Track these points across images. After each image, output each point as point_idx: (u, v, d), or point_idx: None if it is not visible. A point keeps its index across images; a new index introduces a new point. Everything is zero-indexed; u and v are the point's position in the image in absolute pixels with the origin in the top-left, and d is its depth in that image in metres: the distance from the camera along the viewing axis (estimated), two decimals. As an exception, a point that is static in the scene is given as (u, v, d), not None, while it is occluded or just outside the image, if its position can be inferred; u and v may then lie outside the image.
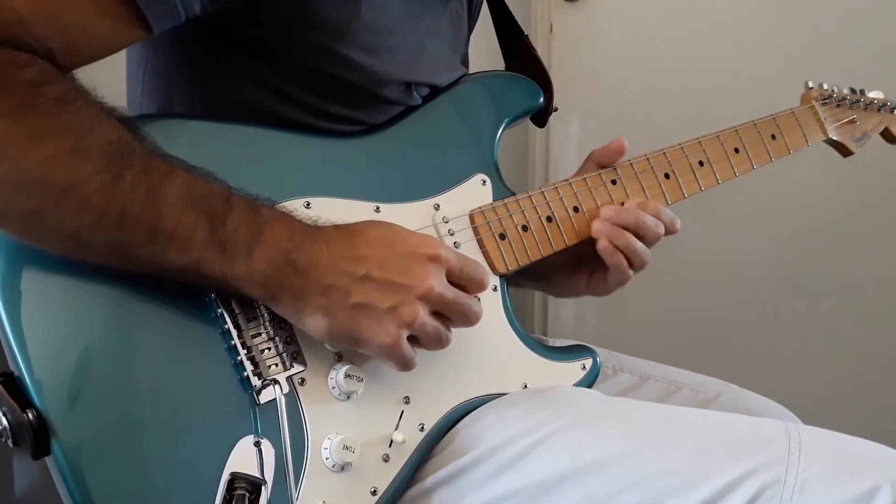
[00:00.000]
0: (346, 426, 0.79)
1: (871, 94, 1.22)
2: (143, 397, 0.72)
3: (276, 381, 0.76)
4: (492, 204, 0.93)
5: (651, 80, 1.97)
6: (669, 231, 0.97)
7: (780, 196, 1.89)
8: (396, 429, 0.82)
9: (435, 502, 0.83)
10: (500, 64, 1.06)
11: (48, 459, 0.70)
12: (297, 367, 0.78)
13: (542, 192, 0.95)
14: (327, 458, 0.78)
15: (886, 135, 1.24)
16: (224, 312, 0.76)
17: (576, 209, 0.96)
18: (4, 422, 0.71)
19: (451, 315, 0.79)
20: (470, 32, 1.07)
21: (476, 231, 0.91)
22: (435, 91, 0.95)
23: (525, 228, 0.94)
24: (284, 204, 0.79)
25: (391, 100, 0.91)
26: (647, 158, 1.01)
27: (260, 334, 0.77)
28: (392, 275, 0.75)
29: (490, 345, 0.89)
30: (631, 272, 0.95)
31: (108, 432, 0.71)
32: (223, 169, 0.75)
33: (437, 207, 0.90)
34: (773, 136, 1.09)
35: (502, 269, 0.92)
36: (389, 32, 0.88)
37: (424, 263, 0.77)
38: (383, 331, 0.75)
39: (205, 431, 0.74)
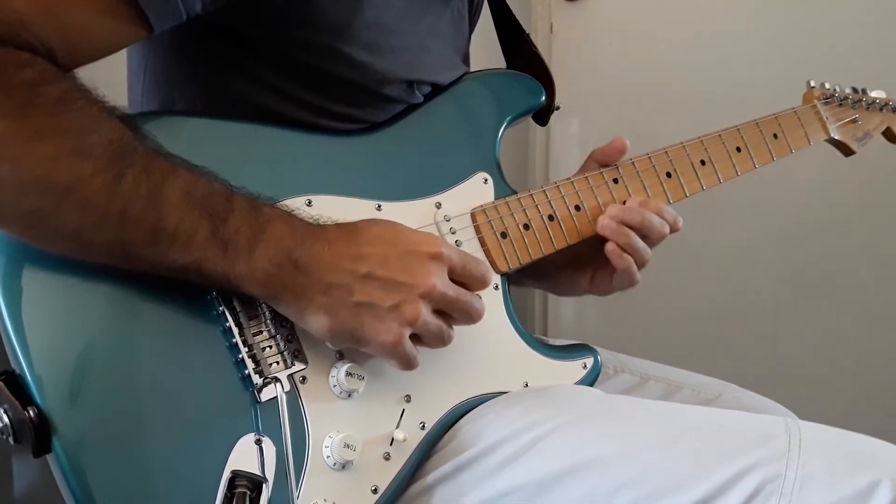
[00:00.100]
0: (347, 424, 0.79)
1: (874, 94, 1.22)
2: (144, 395, 0.72)
3: (277, 380, 0.76)
4: (493, 202, 0.93)
5: (651, 80, 1.97)
6: (672, 230, 0.97)
7: (782, 195, 1.89)
8: (397, 427, 0.82)
9: (436, 499, 0.83)
10: (500, 63, 1.06)
11: (49, 457, 0.70)
12: (298, 366, 0.78)
13: (544, 191, 0.95)
14: (328, 457, 0.78)
15: (888, 134, 1.24)
16: (225, 310, 0.76)
17: (577, 208, 0.96)
18: (6, 419, 0.71)
19: (453, 313, 0.80)
20: (471, 31, 1.07)
21: (477, 229, 0.91)
22: (437, 89, 0.95)
23: (526, 227, 0.94)
24: (286, 202, 0.79)
25: (393, 98, 0.91)
26: (649, 157, 1.01)
27: (261, 332, 0.77)
28: (394, 273, 0.75)
29: (491, 343, 0.89)
30: (639, 275, 0.95)
31: (109, 430, 0.71)
32: (224, 166, 0.75)
33: (438, 206, 0.90)
34: (776, 136, 1.09)
35: (504, 268, 0.92)
36: (391, 31, 0.88)
37: (426, 262, 0.77)
38: (386, 329, 0.75)
39: (206, 429, 0.74)
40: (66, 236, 0.70)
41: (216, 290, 0.75)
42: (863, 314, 1.96)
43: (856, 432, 0.81)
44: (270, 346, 0.77)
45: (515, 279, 0.96)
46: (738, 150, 1.05)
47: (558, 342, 1.01)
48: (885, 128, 1.23)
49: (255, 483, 0.72)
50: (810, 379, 1.93)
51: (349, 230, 0.77)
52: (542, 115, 1.03)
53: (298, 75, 0.86)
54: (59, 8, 0.71)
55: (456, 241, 0.90)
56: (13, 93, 0.67)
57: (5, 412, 0.71)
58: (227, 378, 0.76)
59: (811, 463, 0.74)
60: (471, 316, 0.81)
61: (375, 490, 0.80)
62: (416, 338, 0.78)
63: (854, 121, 1.19)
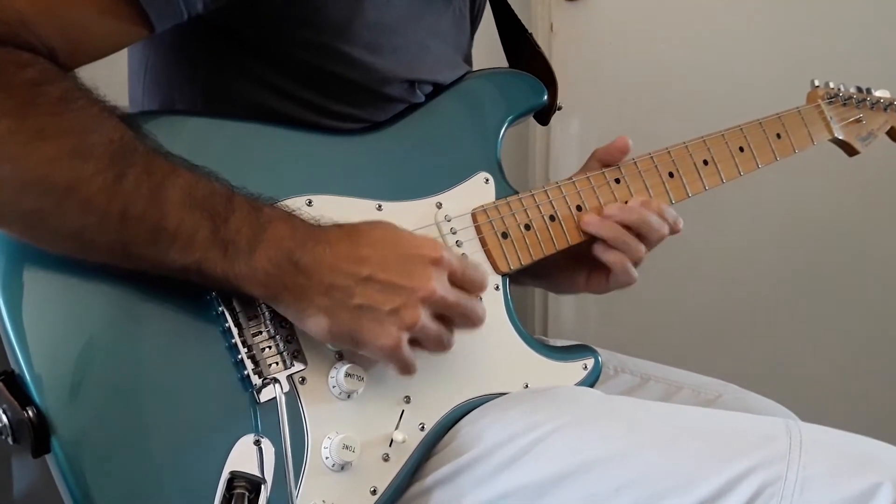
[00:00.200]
0: (346, 425, 0.79)
1: (878, 93, 1.22)
2: (143, 395, 0.72)
3: (276, 380, 0.76)
4: (494, 202, 0.93)
5: (652, 80, 1.96)
6: (673, 231, 0.97)
7: (783, 195, 1.89)
8: (397, 428, 0.82)
9: (435, 501, 0.82)
10: (502, 62, 1.06)
11: (48, 457, 0.70)
12: (297, 366, 0.78)
13: (545, 191, 0.95)
14: (327, 458, 0.78)
15: (893, 134, 1.24)
16: (224, 311, 0.76)
17: (579, 208, 0.96)
18: (4, 419, 0.70)
19: (453, 318, 0.79)
20: (473, 32, 1.07)
21: (478, 230, 0.91)
22: (438, 88, 0.95)
23: (528, 227, 0.93)
24: (286, 202, 0.79)
25: (394, 98, 0.91)
26: (652, 157, 1.01)
27: (260, 332, 0.77)
28: (394, 277, 0.75)
29: (491, 344, 0.89)
30: (635, 273, 0.95)
31: (109, 430, 0.71)
32: (224, 166, 0.75)
33: (439, 206, 0.90)
34: (779, 135, 1.09)
35: (504, 268, 0.92)
36: (392, 30, 0.88)
37: (427, 266, 0.76)
38: (385, 333, 0.75)
39: (205, 430, 0.74)
40: (67, 236, 0.70)
41: (216, 290, 0.75)
42: (863, 314, 1.96)
43: (856, 433, 0.81)
44: (270, 347, 0.77)
45: (514, 277, 0.95)
46: (741, 149, 1.05)
47: (559, 342, 1.01)
48: (889, 127, 1.22)
49: (254, 484, 0.72)
50: (810, 379, 1.93)
51: (350, 232, 0.77)
52: (544, 115, 1.03)
53: (299, 75, 0.86)
54: (60, 7, 0.70)
55: (457, 242, 0.89)
56: (14, 92, 0.67)
57: (4, 412, 0.70)
58: (227, 379, 0.75)
59: (812, 465, 0.74)
60: (471, 321, 0.80)
61: (374, 491, 0.80)
62: (416, 343, 0.78)
63: (858, 120, 1.18)
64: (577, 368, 0.94)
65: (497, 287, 0.91)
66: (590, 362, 0.95)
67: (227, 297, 0.76)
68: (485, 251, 0.91)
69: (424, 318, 0.76)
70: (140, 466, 0.71)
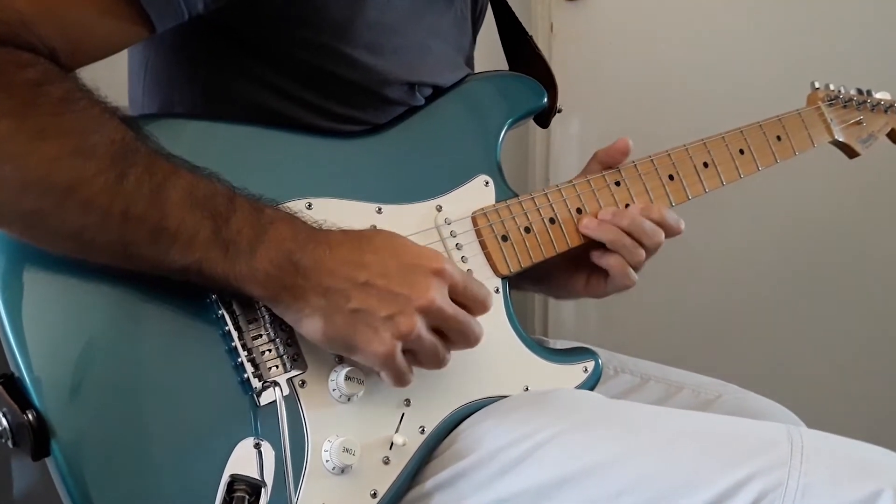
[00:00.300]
0: (346, 428, 0.79)
1: (878, 95, 1.22)
2: (143, 399, 0.72)
3: (276, 383, 0.76)
4: (494, 205, 0.92)
5: (652, 81, 1.96)
6: (674, 233, 0.96)
7: (784, 197, 1.89)
8: (397, 431, 0.82)
9: (435, 505, 0.82)
10: (503, 65, 1.06)
11: (48, 460, 0.70)
12: (297, 370, 0.78)
13: (546, 194, 0.95)
14: (327, 461, 0.77)
15: (893, 136, 1.24)
16: (225, 314, 0.76)
17: (579, 211, 0.96)
18: (4, 423, 0.70)
19: (449, 333, 0.78)
20: (475, 33, 1.07)
21: (478, 233, 0.91)
22: (438, 91, 0.95)
23: (528, 230, 0.93)
24: (287, 205, 0.79)
25: (394, 100, 0.90)
26: (652, 160, 1.00)
27: (260, 336, 0.77)
28: (393, 284, 0.74)
29: (491, 347, 0.88)
30: (634, 276, 0.95)
31: (108, 433, 0.70)
32: (224, 169, 0.75)
33: (439, 209, 0.90)
34: (779, 138, 1.08)
35: (504, 271, 0.91)
36: (393, 31, 0.88)
37: (428, 276, 0.76)
38: (378, 339, 0.74)
39: (205, 433, 0.73)
40: (68, 236, 0.70)
41: (216, 291, 0.75)
42: (863, 315, 1.97)
43: (858, 436, 0.80)
44: (270, 350, 0.77)
45: (513, 283, 0.95)
46: (742, 152, 1.05)
47: (559, 344, 1.01)
48: (889, 129, 1.22)
49: (254, 487, 0.72)
50: (810, 379, 1.93)
51: (353, 237, 0.76)
52: (544, 117, 1.03)
53: (299, 75, 0.86)
54: (61, 8, 0.70)
55: (456, 244, 0.89)
56: (15, 93, 0.67)
57: (4, 415, 0.70)
58: (226, 382, 0.75)
59: (813, 471, 0.74)
60: (467, 338, 0.79)
61: (374, 494, 0.80)
62: (411, 355, 0.77)
63: (859, 122, 1.18)
64: (578, 371, 0.94)
65: (497, 290, 0.91)
66: (590, 365, 0.95)
67: (226, 299, 0.76)
68: (485, 254, 0.91)
69: (420, 328, 0.75)
70: (140, 470, 0.71)
